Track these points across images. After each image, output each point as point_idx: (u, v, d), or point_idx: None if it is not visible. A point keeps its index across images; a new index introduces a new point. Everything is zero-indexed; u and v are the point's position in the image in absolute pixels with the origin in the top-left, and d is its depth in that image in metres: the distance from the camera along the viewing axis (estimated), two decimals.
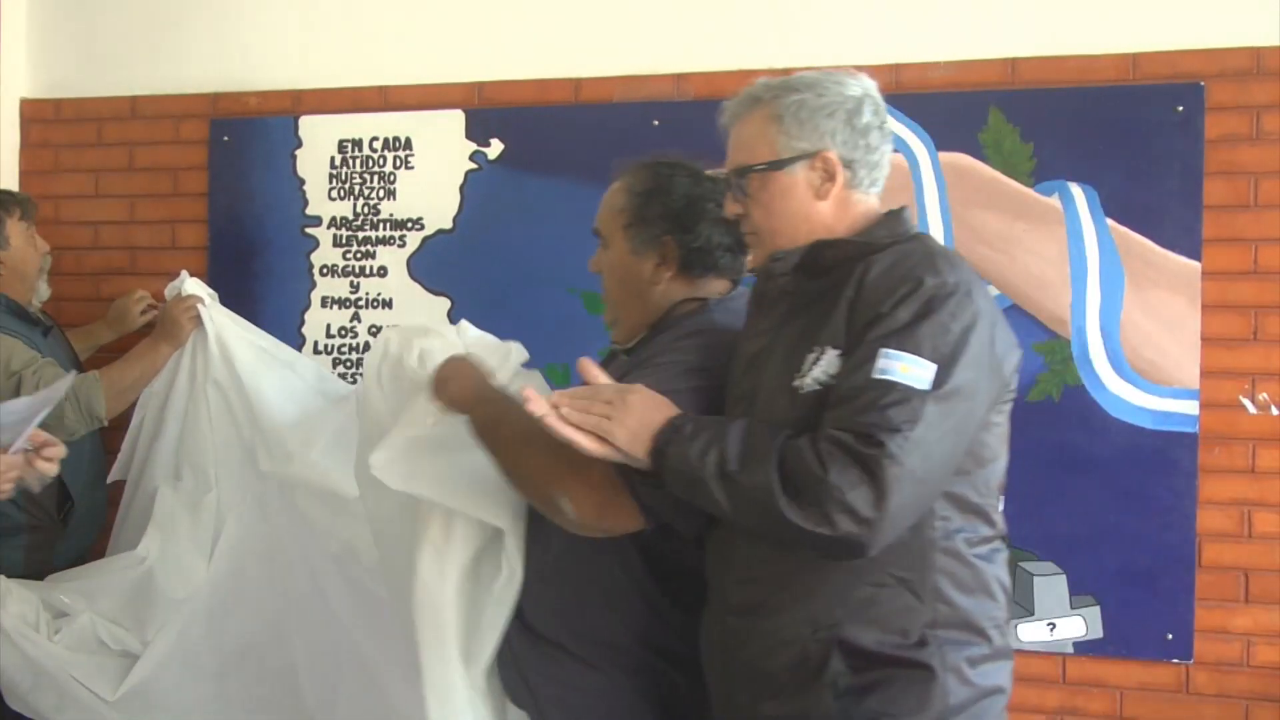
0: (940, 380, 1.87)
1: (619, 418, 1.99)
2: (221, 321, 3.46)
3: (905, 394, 1.86)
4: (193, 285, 3.50)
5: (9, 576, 3.33)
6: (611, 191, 2.46)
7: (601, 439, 2.00)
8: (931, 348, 1.88)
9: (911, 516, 1.90)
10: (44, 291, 3.64)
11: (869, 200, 2.14)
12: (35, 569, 3.40)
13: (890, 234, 2.08)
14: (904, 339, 1.90)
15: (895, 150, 3.35)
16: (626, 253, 2.39)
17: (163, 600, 3.30)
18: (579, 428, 2.00)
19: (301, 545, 3.24)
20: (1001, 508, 2.08)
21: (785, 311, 2.10)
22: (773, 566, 2.02)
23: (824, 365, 1.97)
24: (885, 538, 1.86)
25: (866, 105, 2.11)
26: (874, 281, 1.98)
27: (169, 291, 3.51)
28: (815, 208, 2.11)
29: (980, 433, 1.97)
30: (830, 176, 2.09)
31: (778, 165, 2.10)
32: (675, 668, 2.28)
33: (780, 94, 2.12)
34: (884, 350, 1.89)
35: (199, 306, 3.44)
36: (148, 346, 3.48)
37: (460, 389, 2.40)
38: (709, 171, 2.39)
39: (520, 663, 2.38)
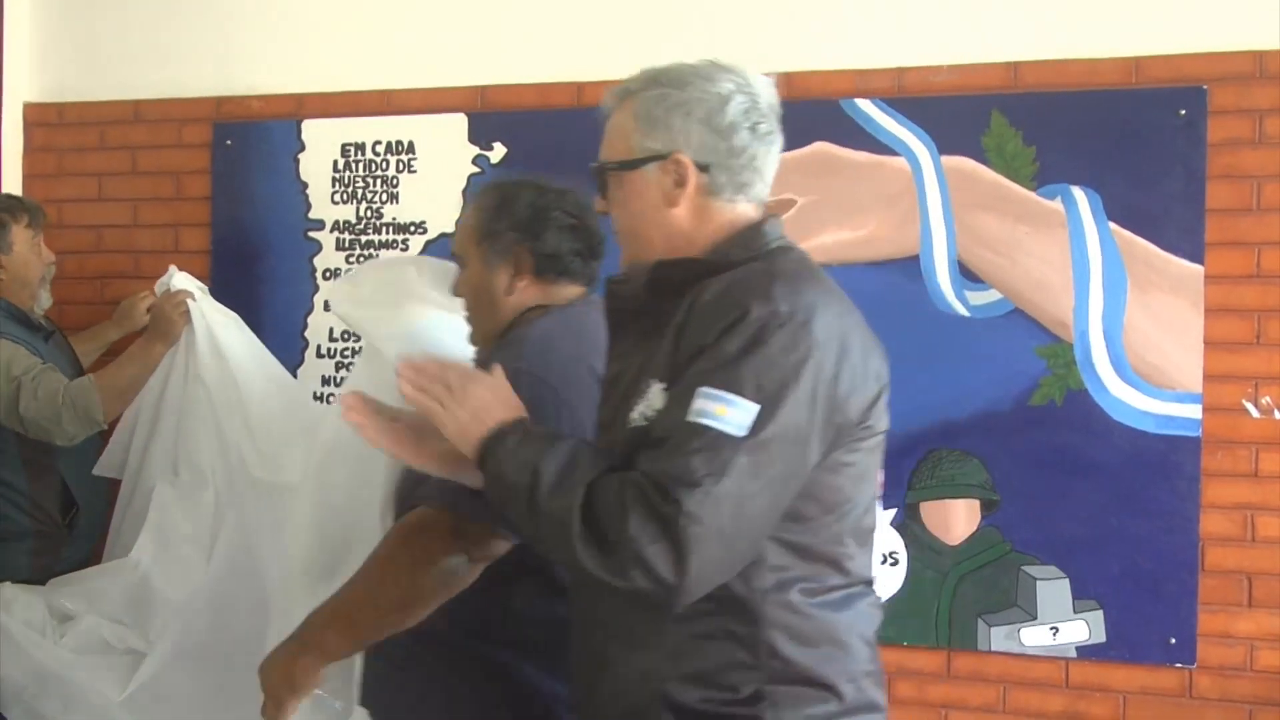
0: (761, 424, 1.70)
1: (453, 408, 1.86)
2: (213, 317, 3.45)
3: (716, 442, 1.69)
4: (181, 280, 3.49)
5: (14, 581, 3.34)
6: (464, 215, 2.55)
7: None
8: (755, 386, 1.71)
9: (723, 573, 1.74)
10: (45, 300, 3.64)
11: (735, 210, 1.93)
12: (41, 574, 3.41)
13: (746, 251, 1.89)
14: (725, 376, 1.72)
15: (897, 154, 3.41)
16: (481, 267, 2.44)
17: (162, 602, 3.30)
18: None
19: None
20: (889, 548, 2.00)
21: (639, 334, 1.94)
22: (614, 612, 1.87)
23: (649, 399, 1.81)
24: (690, 596, 1.72)
25: (734, 104, 1.89)
26: (702, 308, 1.80)
27: (159, 288, 3.50)
28: (668, 215, 1.92)
29: (826, 475, 1.80)
30: (681, 181, 1.90)
31: (629, 165, 1.94)
32: (524, 656, 2.28)
33: (645, 87, 1.94)
34: (701, 389, 1.71)
35: (189, 302, 3.43)
36: (141, 346, 3.48)
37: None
38: (558, 186, 2.47)
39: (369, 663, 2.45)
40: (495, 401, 1.87)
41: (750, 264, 1.86)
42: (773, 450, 1.71)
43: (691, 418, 1.70)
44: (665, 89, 1.91)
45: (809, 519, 1.81)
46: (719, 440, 1.69)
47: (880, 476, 1.96)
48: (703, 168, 1.90)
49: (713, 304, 1.79)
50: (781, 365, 1.72)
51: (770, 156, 1.95)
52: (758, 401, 1.70)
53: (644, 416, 1.80)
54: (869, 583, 1.93)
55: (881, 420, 1.89)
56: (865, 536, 1.91)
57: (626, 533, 1.67)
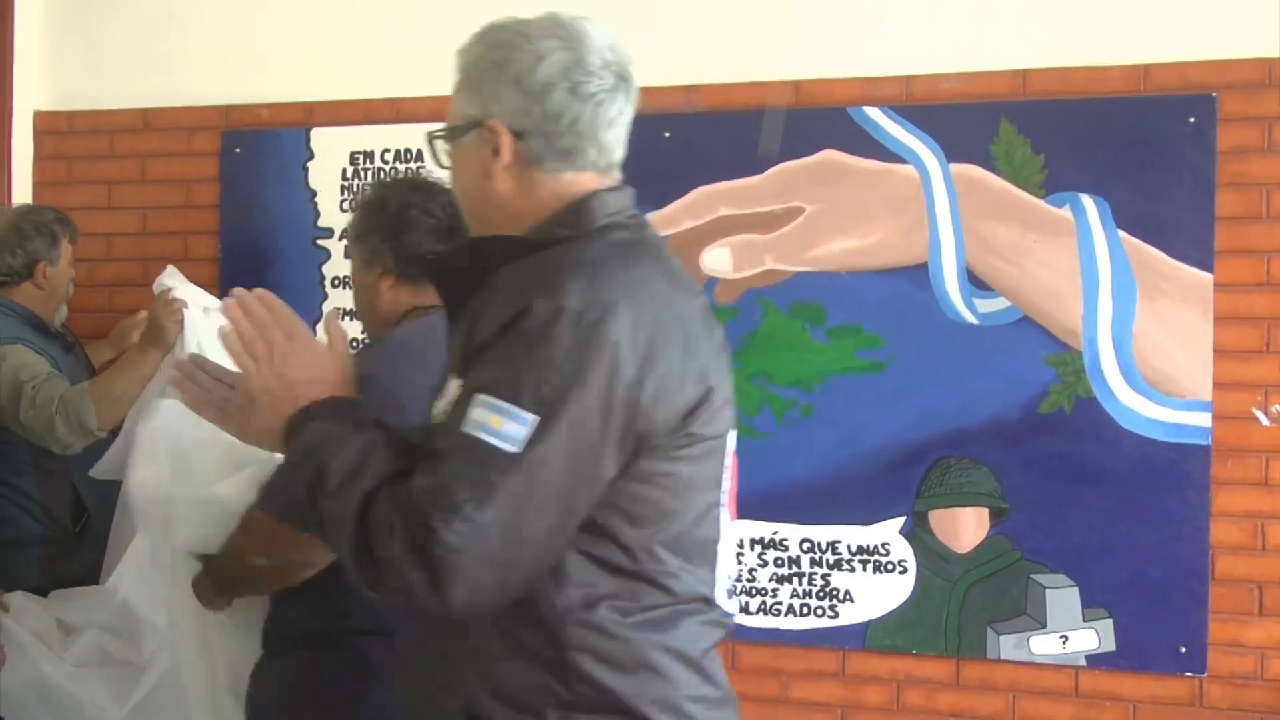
0: (539, 438, 1.53)
1: (269, 369, 1.72)
2: (205, 326, 3.42)
3: (486, 459, 1.52)
4: (170, 278, 3.47)
5: (25, 589, 3.33)
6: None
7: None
8: (535, 395, 1.53)
9: (499, 595, 1.58)
10: (64, 311, 3.67)
11: (562, 180, 1.73)
12: (50, 581, 3.40)
13: (568, 228, 1.70)
14: (502, 382, 1.55)
15: (905, 162, 3.41)
16: (359, 267, 2.47)
17: (149, 627, 3.27)
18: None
19: None
20: (723, 569, 1.78)
21: (461, 319, 1.76)
22: (429, 619, 1.69)
23: (448, 395, 1.66)
24: (466, 615, 1.59)
25: (549, 62, 1.69)
26: (494, 298, 1.64)
27: (156, 288, 3.50)
28: (491, 186, 1.74)
29: (636, 486, 1.63)
30: (497, 150, 1.72)
31: (452, 133, 1.78)
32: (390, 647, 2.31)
33: (469, 46, 1.78)
34: (478, 395, 1.55)
35: (184, 311, 3.42)
36: (135, 353, 3.47)
37: None
38: (433, 184, 2.44)
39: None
40: (314, 377, 1.72)
41: (558, 246, 1.68)
42: (553, 465, 1.54)
43: (465, 428, 1.54)
44: (485, 48, 1.75)
45: (617, 533, 1.64)
46: (490, 458, 1.52)
47: (726, 484, 1.79)
48: (518, 134, 1.71)
49: (500, 295, 1.63)
50: (566, 370, 1.54)
51: (602, 119, 1.72)
52: (537, 412, 1.53)
53: (444, 414, 1.65)
54: (706, 600, 1.73)
55: (712, 426, 1.70)
56: (696, 550, 1.72)
57: (391, 553, 1.53)
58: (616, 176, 1.79)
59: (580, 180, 1.74)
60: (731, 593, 1.83)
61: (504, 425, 1.53)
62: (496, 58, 1.72)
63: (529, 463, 1.53)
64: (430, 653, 1.74)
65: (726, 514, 1.80)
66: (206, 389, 1.88)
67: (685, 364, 1.64)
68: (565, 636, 1.63)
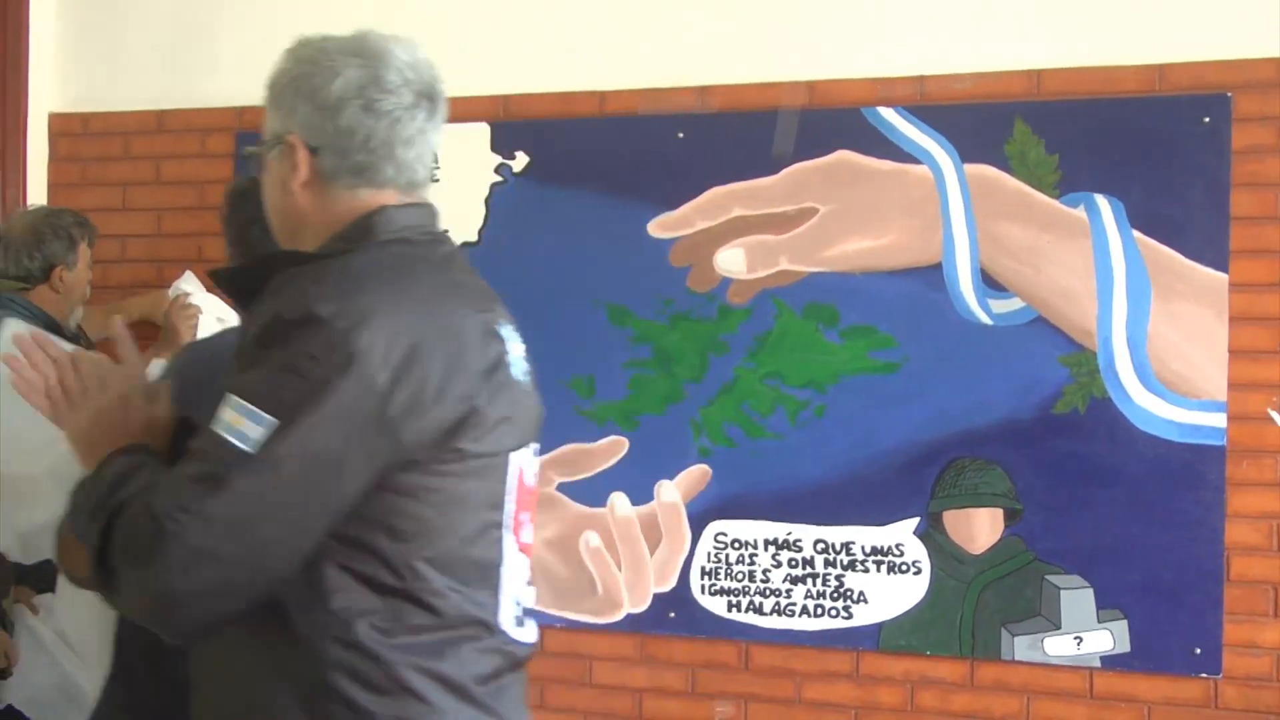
0: (275, 441, 1.51)
1: (75, 413, 1.73)
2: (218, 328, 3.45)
3: (220, 457, 1.52)
4: (188, 283, 3.49)
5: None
6: None
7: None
8: (276, 399, 1.52)
9: (223, 601, 1.55)
10: (80, 314, 3.68)
11: (357, 198, 1.72)
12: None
13: (346, 242, 1.69)
14: (248, 384, 1.55)
15: (919, 162, 3.41)
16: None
17: None
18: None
19: None
20: (507, 593, 1.73)
21: None
22: (204, 639, 1.67)
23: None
24: (184, 625, 1.57)
25: (344, 79, 1.69)
26: (261, 306, 1.63)
27: (171, 292, 3.52)
28: (292, 202, 1.74)
29: (399, 500, 1.60)
30: (295, 166, 1.72)
31: (258, 149, 1.79)
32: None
33: (277, 64, 1.77)
34: (229, 396, 1.55)
35: (199, 316, 3.44)
36: (150, 357, 3.49)
37: None
38: None
39: None
40: (113, 421, 1.72)
41: (331, 259, 1.67)
42: (288, 469, 1.52)
43: (214, 427, 1.55)
44: (289, 64, 1.75)
45: (378, 548, 1.60)
46: (225, 455, 1.52)
47: (510, 507, 1.74)
48: (314, 150, 1.71)
49: (266, 302, 1.63)
50: (310, 377, 1.53)
51: (399, 137, 1.72)
52: (276, 416, 1.52)
53: None
54: (484, 625, 1.68)
55: (484, 444, 1.66)
56: (470, 572, 1.67)
57: (116, 557, 1.54)
58: (420, 195, 1.79)
59: (378, 197, 1.73)
60: (521, 621, 1.77)
61: (244, 426, 1.52)
62: (296, 74, 1.72)
63: (261, 463, 1.51)
64: (202, 673, 1.72)
65: (511, 538, 1.74)
66: (42, 372, 1.78)
67: (449, 378, 1.60)
68: (323, 655, 1.59)
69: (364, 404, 1.54)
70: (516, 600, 1.75)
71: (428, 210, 1.79)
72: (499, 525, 1.71)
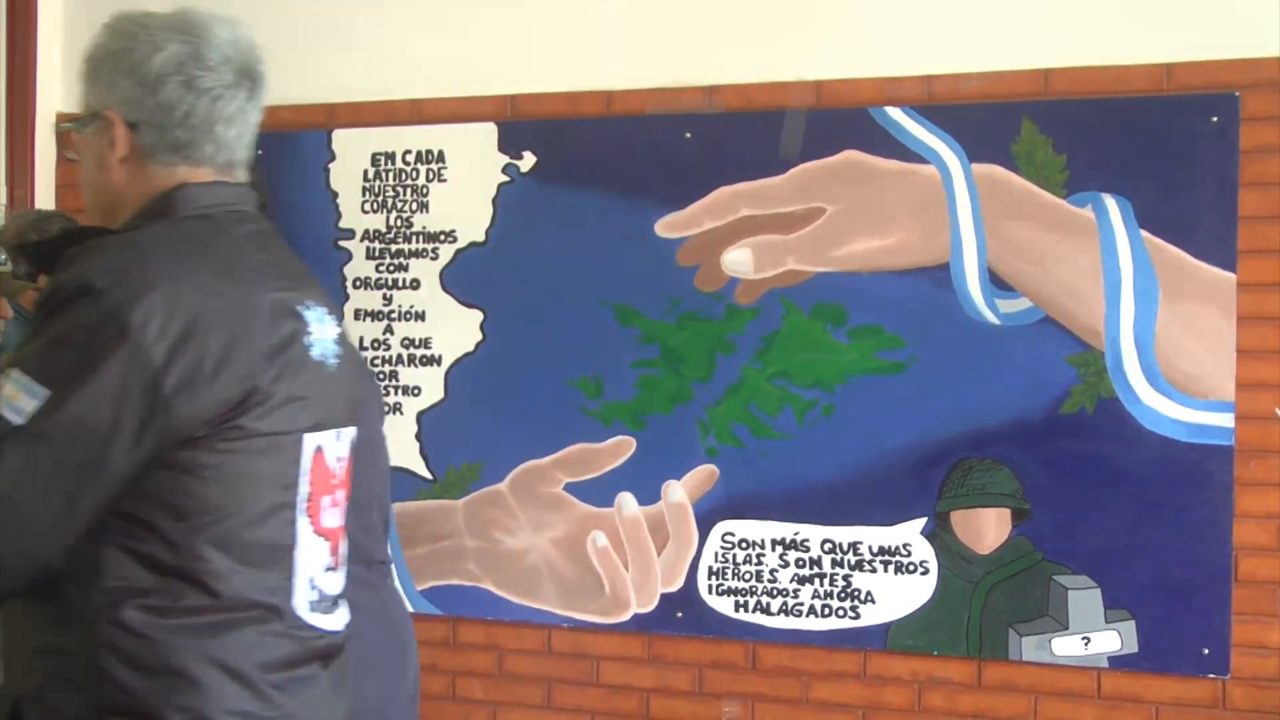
0: (44, 414, 1.51)
1: None
2: None
3: None
4: None
5: None
6: None
7: None
8: (46, 371, 1.52)
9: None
10: None
11: (173, 174, 1.72)
12: None
13: (143, 218, 1.69)
14: (26, 356, 1.54)
15: (927, 162, 3.41)
16: None
17: None
18: None
19: None
20: (296, 577, 1.69)
21: None
22: None
23: None
24: None
25: (165, 54, 1.69)
26: (51, 279, 1.63)
27: None
28: (108, 178, 1.73)
29: (176, 477, 1.57)
30: (113, 142, 1.71)
31: (76, 125, 1.76)
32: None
33: (93, 39, 1.75)
34: (9, 370, 1.55)
35: None
36: None
37: None
38: None
39: None
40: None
41: (119, 234, 1.67)
42: (56, 444, 1.52)
43: None
44: (107, 38, 1.73)
45: (157, 525, 1.58)
46: None
47: (304, 489, 1.70)
48: (133, 125, 1.70)
49: (55, 276, 1.62)
50: (79, 349, 1.52)
51: (219, 114, 1.72)
52: (47, 387, 1.51)
53: None
54: (271, 609, 1.65)
55: (269, 422, 1.63)
56: (257, 553, 1.64)
57: None
58: (237, 175, 1.78)
59: (195, 175, 1.73)
60: (324, 607, 1.74)
61: (18, 398, 1.52)
62: (115, 48, 1.71)
63: (29, 435, 1.51)
64: None
65: (307, 521, 1.70)
66: None
67: (229, 355, 1.58)
68: (94, 635, 1.57)
69: (136, 378, 1.53)
70: (314, 584, 1.72)
71: (239, 189, 1.78)
72: (291, 506, 1.68)
